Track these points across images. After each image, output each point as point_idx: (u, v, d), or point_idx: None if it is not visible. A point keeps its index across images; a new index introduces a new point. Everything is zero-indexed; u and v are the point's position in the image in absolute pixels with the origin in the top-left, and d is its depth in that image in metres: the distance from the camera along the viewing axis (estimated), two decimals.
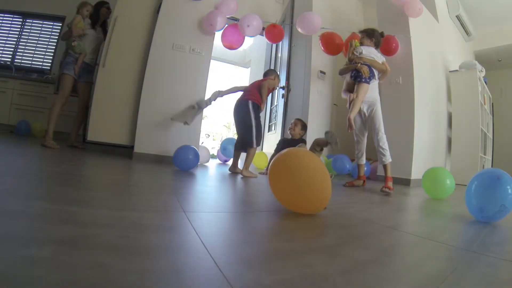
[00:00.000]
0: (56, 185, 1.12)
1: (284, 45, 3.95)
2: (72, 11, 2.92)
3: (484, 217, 1.21)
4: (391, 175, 2.18)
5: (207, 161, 3.11)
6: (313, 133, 3.24)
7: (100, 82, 2.72)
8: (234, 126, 2.67)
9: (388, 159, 2.21)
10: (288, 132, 2.76)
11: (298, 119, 2.76)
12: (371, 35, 2.32)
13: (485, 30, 5.04)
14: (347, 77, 2.30)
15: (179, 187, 1.50)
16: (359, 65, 2.15)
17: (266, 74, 2.59)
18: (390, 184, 2.10)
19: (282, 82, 3.81)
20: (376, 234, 0.96)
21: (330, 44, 3.09)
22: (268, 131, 4.41)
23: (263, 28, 3.10)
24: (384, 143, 2.21)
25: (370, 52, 2.25)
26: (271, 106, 4.48)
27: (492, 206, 1.17)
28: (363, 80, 2.13)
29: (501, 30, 4.92)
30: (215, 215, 0.97)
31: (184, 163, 2.18)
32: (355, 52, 2.26)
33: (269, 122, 4.46)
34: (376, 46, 2.35)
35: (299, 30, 3.12)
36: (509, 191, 1.15)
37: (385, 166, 2.23)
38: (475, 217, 1.25)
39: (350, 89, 2.24)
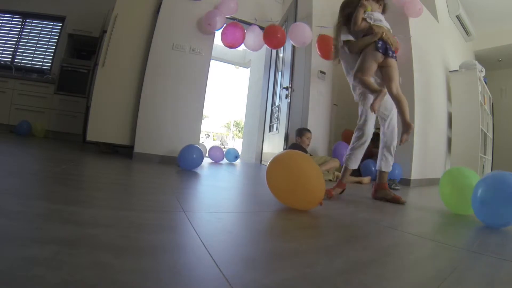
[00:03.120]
0: (56, 185, 1.12)
1: (287, 44, 3.95)
2: (73, 11, 2.90)
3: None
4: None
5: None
6: (313, 133, 3.23)
7: (100, 82, 2.72)
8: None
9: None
10: (306, 142, 2.98)
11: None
12: None
13: (485, 30, 5.04)
14: (366, 57, 1.56)
15: (179, 187, 1.50)
16: (384, 34, 1.54)
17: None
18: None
19: (286, 83, 3.80)
20: (376, 234, 0.96)
21: (325, 48, 3.13)
22: (269, 131, 4.41)
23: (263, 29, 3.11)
24: None
25: (386, 22, 1.65)
26: (272, 106, 4.48)
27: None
28: (394, 55, 1.56)
29: (501, 30, 4.92)
30: (215, 215, 0.97)
31: (189, 162, 2.23)
32: (368, 20, 1.59)
33: (270, 122, 4.46)
34: (383, 11, 1.72)
35: (291, 42, 3.19)
36: None
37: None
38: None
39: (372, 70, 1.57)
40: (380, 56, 1.53)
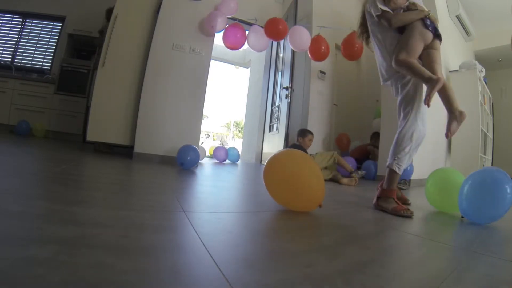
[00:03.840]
0: (56, 185, 1.12)
1: (287, 44, 3.96)
2: (73, 11, 2.90)
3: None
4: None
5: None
6: (313, 133, 3.24)
7: (100, 82, 2.72)
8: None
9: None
10: (308, 144, 2.93)
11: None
12: None
13: (485, 30, 5.03)
14: (413, 34, 1.31)
15: (179, 187, 1.50)
16: (430, 12, 1.34)
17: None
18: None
19: (286, 83, 3.81)
20: (376, 234, 0.96)
21: (317, 50, 3.13)
22: (269, 131, 4.41)
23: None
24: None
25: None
26: (272, 106, 4.48)
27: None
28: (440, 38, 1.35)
29: (501, 30, 4.91)
30: (215, 215, 0.97)
31: (185, 161, 2.22)
32: None
33: (270, 122, 4.46)
34: None
35: (291, 46, 3.19)
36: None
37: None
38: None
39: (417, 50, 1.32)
40: (430, 36, 1.30)
